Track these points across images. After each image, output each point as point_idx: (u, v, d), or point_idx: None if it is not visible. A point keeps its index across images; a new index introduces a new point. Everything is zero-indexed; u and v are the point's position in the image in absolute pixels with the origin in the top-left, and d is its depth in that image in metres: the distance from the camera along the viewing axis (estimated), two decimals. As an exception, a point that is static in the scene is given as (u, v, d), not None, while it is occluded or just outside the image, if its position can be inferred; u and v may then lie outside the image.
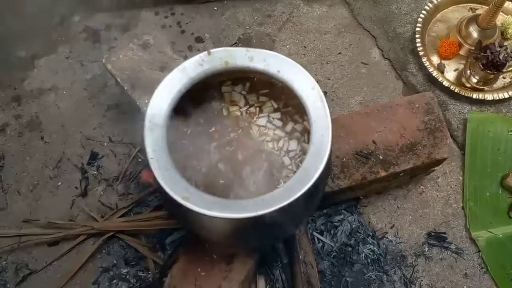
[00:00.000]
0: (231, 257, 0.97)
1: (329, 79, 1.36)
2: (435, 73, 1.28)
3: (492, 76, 1.26)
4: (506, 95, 1.25)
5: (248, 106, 0.96)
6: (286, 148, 0.91)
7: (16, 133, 1.30)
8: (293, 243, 1.06)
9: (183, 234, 1.13)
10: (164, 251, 1.14)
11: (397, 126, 1.07)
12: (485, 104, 1.29)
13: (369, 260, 1.13)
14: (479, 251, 1.16)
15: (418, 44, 1.31)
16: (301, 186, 0.72)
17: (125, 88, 1.11)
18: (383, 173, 1.03)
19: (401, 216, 1.20)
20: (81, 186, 1.23)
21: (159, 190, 0.78)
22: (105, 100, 1.34)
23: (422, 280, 1.13)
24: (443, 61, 1.33)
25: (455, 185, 1.23)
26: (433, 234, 1.18)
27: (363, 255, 1.13)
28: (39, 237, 1.15)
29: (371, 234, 1.16)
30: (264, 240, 0.95)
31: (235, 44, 1.41)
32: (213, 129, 0.93)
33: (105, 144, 1.28)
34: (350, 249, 1.13)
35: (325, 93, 1.27)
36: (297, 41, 1.41)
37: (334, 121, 0.80)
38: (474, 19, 1.31)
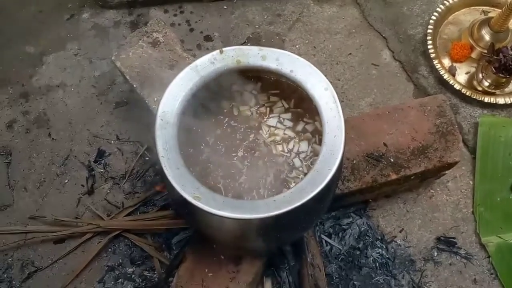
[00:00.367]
0: (239, 258, 0.96)
1: (339, 80, 1.35)
2: (446, 76, 1.27)
3: (504, 79, 1.24)
4: (518, 99, 1.24)
5: (258, 106, 0.95)
6: (297, 149, 0.90)
7: (23, 130, 1.30)
8: (301, 245, 1.05)
9: (190, 234, 1.12)
10: (170, 251, 1.14)
11: (409, 129, 1.06)
12: (496, 108, 1.27)
13: (377, 264, 1.12)
14: (489, 256, 1.14)
15: (429, 46, 1.29)
16: (313, 187, 0.71)
17: (134, 86, 1.10)
18: (394, 176, 1.02)
19: (411, 220, 1.18)
20: (88, 184, 1.22)
21: (169, 189, 0.77)
22: (113, 97, 1.34)
23: (430, 285, 1.12)
24: (454, 64, 1.32)
25: (465, 190, 1.21)
26: (442, 238, 1.16)
27: (371, 258, 1.12)
28: (45, 234, 1.15)
29: (379, 237, 1.15)
30: (274, 242, 0.94)
31: (244, 43, 1.40)
32: (223, 128, 0.92)
33: (112, 142, 1.28)
34: (358, 252, 1.12)
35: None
36: (307, 41, 1.40)
37: (344, 122, 0.79)
38: (486, 22, 1.30)
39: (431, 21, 1.33)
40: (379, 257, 1.12)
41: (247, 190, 0.85)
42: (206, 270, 0.96)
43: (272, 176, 0.87)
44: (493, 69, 1.21)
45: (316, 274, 1.02)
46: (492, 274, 1.13)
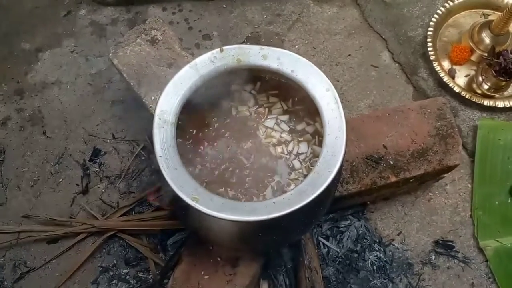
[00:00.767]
0: (236, 260, 0.95)
1: (338, 81, 1.34)
2: (446, 78, 1.26)
3: (504, 83, 1.24)
4: (518, 103, 1.23)
5: (257, 106, 0.94)
6: (296, 150, 0.89)
7: (17, 127, 1.28)
8: (298, 247, 1.04)
9: (186, 235, 1.11)
10: (166, 252, 1.12)
11: (408, 131, 1.05)
12: (495, 111, 1.26)
13: (375, 267, 1.11)
14: (487, 260, 1.14)
15: (429, 49, 1.29)
16: (314, 189, 0.70)
17: (131, 84, 1.09)
18: (393, 179, 1.01)
19: (409, 223, 1.17)
20: (82, 183, 1.20)
21: (166, 189, 0.75)
22: (110, 96, 1.32)
23: (428, 289, 1.11)
24: (454, 67, 1.31)
25: (464, 193, 1.21)
26: (440, 242, 1.15)
27: (369, 262, 1.11)
28: (38, 234, 1.13)
29: (377, 240, 1.14)
30: (272, 244, 0.93)
31: (243, 43, 1.39)
32: (221, 128, 0.91)
33: (108, 140, 1.26)
34: (356, 255, 1.11)
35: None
36: (307, 42, 1.39)
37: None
38: (486, 25, 1.29)
39: (431, 23, 1.32)
40: (377, 260, 1.11)
41: (246, 191, 0.83)
42: (202, 272, 0.94)
43: (272, 178, 0.86)
44: (493, 72, 1.21)
45: (313, 277, 1.01)
46: (490, 278, 1.13)
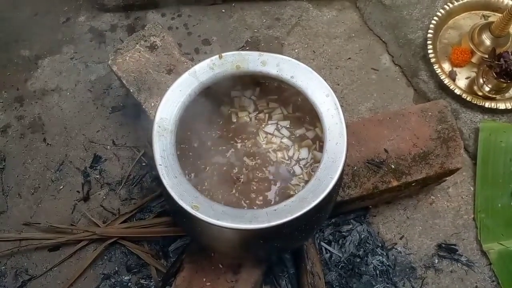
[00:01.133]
0: (238, 266, 0.94)
1: (338, 84, 1.33)
2: (446, 81, 1.26)
3: (505, 85, 1.23)
4: (519, 105, 1.23)
5: (257, 112, 0.94)
6: (297, 156, 0.89)
7: (18, 135, 1.28)
8: (300, 253, 1.03)
9: (187, 241, 1.10)
10: (167, 259, 1.12)
11: (410, 135, 1.05)
12: (497, 113, 1.26)
13: (377, 272, 1.10)
14: (490, 263, 1.13)
15: (429, 51, 1.28)
16: (315, 196, 0.70)
17: (131, 90, 1.09)
18: (395, 183, 1.00)
19: (411, 226, 1.17)
20: (83, 190, 1.20)
21: (166, 197, 0.75)
22: (109, 102, 1.32)
23: (431, 293, 1.11)
24: (454, 69, 1.31)
25: (466, 196, 1.20)
26: (443, 245, 1.15)
27: (371, 266, 1.10)
28: (39, 242, 1.13)
29: (380, 244, 1.13)
30: (274, 251, 0.92)
31: (242, 48, 1.39)
32: (221, 134, 0.90)
33: (109, 147, 1.26)
34: (358, 260, 1.10)
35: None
36: (306, 45, 1.39)
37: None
38: (487, 27, 1.29)
39: (431, 26, 1.32)
40: (380, 264, 1.11)
41: (246, 197, 0.83)
42: (204, 279, 0.94)
43: (272, 184, 0.85)
44: (494, 74, 1.20)
45: (315, 282, 1.00)
46: (493, 281, 1.12)
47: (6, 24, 1.44)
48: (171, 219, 1.09)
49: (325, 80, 0.80)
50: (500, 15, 1.25)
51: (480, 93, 1.27)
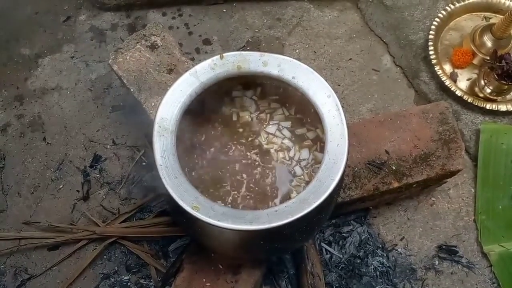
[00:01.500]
0: (238, 267, 0.94)
1: (339, 85, 1.33)
2: (447, 82, 1.25)
3: (506, 86, 1.23)
4: (520, 106, 1.23)
5: (258, 112, 0.93)
6: (298, 157, 0.88)
7: (17, 133, 1.27)
8: (300, 253, 1.03)
9: (187, 241, 1.10)
10: (167, 259, 1.11)
11: (411, 136, 1.05)
12: (498, 115, 1.26)
13: (378, 273, 1.10)
14: (491, 265, 1.13)
15: (430, 52, 1.28)
16: (316, 198, 0.70)
17: (131, 90, 1.08)
18: (396, 184, 1.00)
19: (411, 228, 1.17)
20: (83, 190, 1.20)
21: (167, 198, 0.75)
22: (110, 101, 1.31)
23: (431, 295, 1.10)
24: (456, 70, 1.31)
25: (467, 197, 1.20)
26: (443, 247, 1.14)
27: (372, 267, 1.10)
28: (39, 241, 1.12)
29: (380, 246, 1.13)
30: (274, 252, 0.92)
31: (243, 48, 1.39)
32: (222, 134, 0.90)
33: (109, 146, 1.25)
34: (358, 261, 1.10)
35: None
36: (307, 46, 1.39)
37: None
38: (488, 28, 1.28)
39: (433, 27, 1.31)
40: (380, 265, 1.11)
41: (247, 198, 0.83)
42: (204, 280, 0.94)
43: (273, 184, 0.85)
44: (496, 75, 1.20)
45: (316, 283, 1.00)
46: (494, 283, 1.12)
47: (7, 23, 1.43)
48: (171, 219, 1.09)
49: (326, 80, 0.79)
50: (502, 16, 1.25)
51: (481, 95, 1.27)
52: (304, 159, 0.88)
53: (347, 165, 0.76)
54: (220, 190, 0.83)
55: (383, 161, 1.02)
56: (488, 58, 1.25)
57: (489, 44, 1.28)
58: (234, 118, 0.92)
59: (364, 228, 1.13)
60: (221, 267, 0.94)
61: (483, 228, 1.16)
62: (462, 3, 1.35)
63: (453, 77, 1.29)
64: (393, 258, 1.13)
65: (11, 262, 1.13)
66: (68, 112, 1.30)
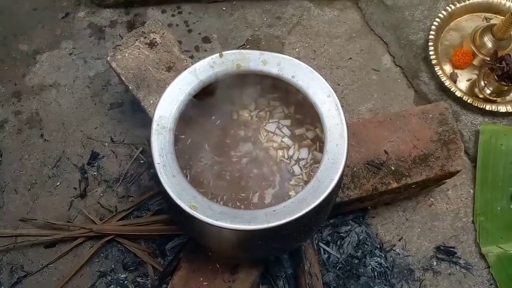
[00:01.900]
0: (235, 266, 0.94)
1: (338, 84, 1.32)
2: (447, 83, 1.25)
3: (506, 87, 1.22)
4: (520, 108, 1.22)
5: (258, 110, 0.93)
6: (297, 156, 0.88)
7: (15, 130, 1.27)
8: (298, 253, 1.03)
9: (184, 240, 1.10)
10: (164, 257, 1.11)
11: (410, 136, 1.04)
12: (497, 116, 1.25)
13: (375, 273, 1.10)
14: (489, 267, 1.12)
15: (431, 52, 1.28)
16: (314, 198, 0.69)
17: (130, 87, 1.08)
18: (394, 185, 1.00)
19: (410, 228, 1.16)
20: (80, 187, 1.19)
21: (164, 196, 0.74)
22: (108, 98, 1.30)
23: (429, 295, 1.10)
24: (456, 71, 1.30)
25: (466, 198, 1.20)
26: (442, 248, 1.14)
27: (369, 267, 1.10)
28: (35, 238, 1.12)
29: (378, 246, 1.13)
30: (272, 252, 0.92)
31: (243, 46, 1.38)
32: (221, 133, 0.89)
33: (106, 144, 1.25)
34: (356, 261, 1.10)
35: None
36: (307, 45, 1.38)
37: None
38: (489, 29, 1.28)
39: (433, 27, 1.31)
40: (378, 266, 1.10)
41: (245, 197, 0.82)
42: (201, 279, 0.93)
43: (272, 184, 0.85)
44: (496, 76, 1.20)
45: (313, 283, 1.00)
46: (491, 284, 1.11)
47: (5, 19, 1.42)
48: (168, 217, 1.09)
49: (325, 80, 0.79)
50: (502, 17, 1.24)
51: (481, 96, 1.26)
52: (303, 159, 0.88)
53: (346, 165, 0.75)
54: (218, 188, 0.83)
55: (382, 161, 1.02)
56: (488, 59, 1.24)
57: (489, 45, 1.27)
58: (234, 116, 0.92)
59: (362, 228, 1.13)
60: (218, 266, 0.94)
61: (481, 229, 1.15)
62: (463, 4, 1.34)
63: (453, 78, 1.29)
64: (391, 258, 1.13)
65: (7, 259, 1.12)
66: (66, 109, 1.29)
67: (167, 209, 1.07)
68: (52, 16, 1.43)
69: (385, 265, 1.11)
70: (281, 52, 1.34)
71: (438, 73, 1.26)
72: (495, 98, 1.25)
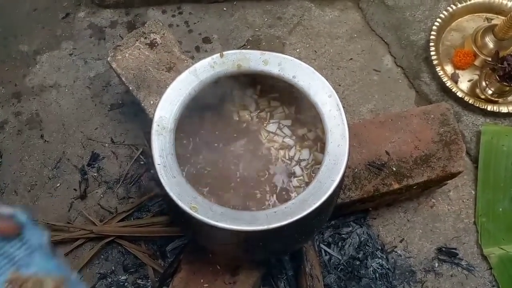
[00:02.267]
0: (236, 268, 0.93)
1: (339, 85, 1.32)
2: (449, 83, 1.24)
3: (508, 88, 1.22)
4: (522, 108, 1.22)
5: (258, 111, 0.92)
6: (298, 157, 0.87)
7: (15, 131, 1.26)
8: (299, 255, 1.02)
9: (185, 241, 1.09)
10: (165, 259, 1.10)
11: (412, 137, 1.04)
12: (499, 116, 1.25)
13: (377, 275, 1.09)
14: (491, 268, 1.12)
15: (432, 53, 1.27)
16: (315, 199, 0.69)
17: (130, 88, 1.07)
18: (396, 186, 0.99)
19: (411, 229, 1.16)
20: (80, 188, 1.19)
21: (165, 197, 0.74)
22: (108, 99, 1.30)
23: (431, 297, 1.09)
24: (457, 71, 1.30)
25: (467, 199, 1.19)
26: (443, 249, 1.14)
27: (371, 269, 1.09)
28: (35, 240, 1.11)
29: (380, 247, 1.12)
30: (273, 253, 0.91)
31: (243, 46, 1.38)
32: (222, 133, 0.89)
33: (107, 145, 1.24)
34: (358, 262, 1.09)
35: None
36: (308, 45, 1.38)
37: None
38: (490, 29, 1.27)
39: (434, 27, 1.30)
40: (379, 267, 1.10)
41: (246, 198, 0.82)
42: (202, 281, 0.93)
43: (273, 185, 0.84)
44: (497, 77, 1.19)
45: (314, 284, 0.99)
46: (494, 286, 1.11)
47: (5, 19, 1.42)
48: (168, 218, 1.08)
49: (326, 80, 0.79)
50: (504, 18, 1.24)
51: (482, 96, 1.26)
52: (304, 159, 0.87)
53: (347, 166, 0.75)
54: (219, 189, 0.82)
55: (383, 162, 1.01)
56: (489, 59, 1.24)
57: (491, 45, 1.27)
58: (234, 117, 0.91)
59: (363, 230, 1.12)
60: (219, 268, 0.93)
61: (483, 230, 1.15)
62: (464, 4, 1.34)
63: (454, 78, 1.28)
64: (393, 260, 1.12)
65: (7, 261, 1.11)
66: (66, 109, 1.29)
67: (167, 210, 1.07)
68: (52, 16, 1.42)
69: (387, 266, 1.10)
70: (282, 52, 1.33)
71: (439, 74, 1.26)
72: (496, 99, 1.25)
